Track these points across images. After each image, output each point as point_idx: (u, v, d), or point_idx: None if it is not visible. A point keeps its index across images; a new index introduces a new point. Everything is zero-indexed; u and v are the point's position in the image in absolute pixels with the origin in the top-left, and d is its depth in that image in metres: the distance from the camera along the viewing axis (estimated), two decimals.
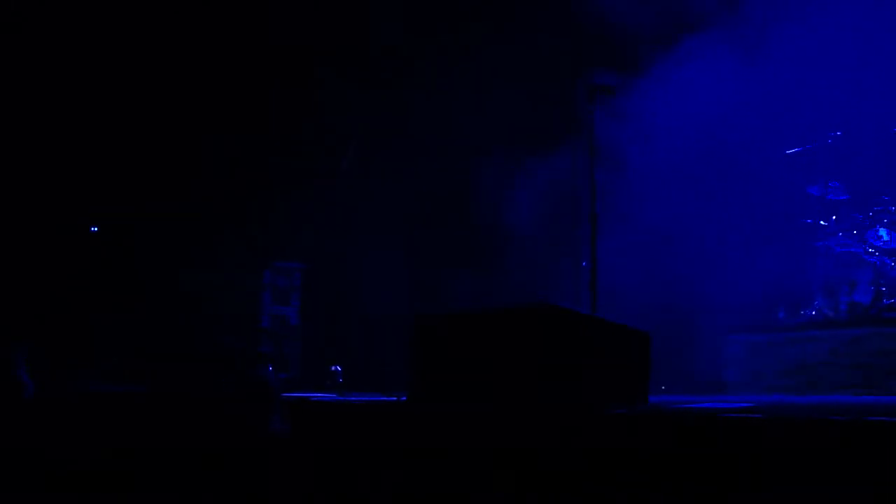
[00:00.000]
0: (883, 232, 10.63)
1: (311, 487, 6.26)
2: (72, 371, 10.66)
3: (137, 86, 12.86)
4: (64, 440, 7.13)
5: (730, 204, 11.31)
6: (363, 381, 10.40)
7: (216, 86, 13.19)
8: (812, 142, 11.11)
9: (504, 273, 12.26)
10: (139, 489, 6.47)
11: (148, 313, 12.74)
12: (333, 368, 10.44)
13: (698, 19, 10.99)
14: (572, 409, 5.96)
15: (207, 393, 8.14)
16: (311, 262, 13.36)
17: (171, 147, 13.26)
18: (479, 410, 6.13)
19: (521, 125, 12.19)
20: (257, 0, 13.00)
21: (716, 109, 10.79)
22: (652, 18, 11.04)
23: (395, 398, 7.63)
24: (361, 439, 6.68)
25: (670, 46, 10.89)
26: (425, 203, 13.24)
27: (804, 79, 10.67)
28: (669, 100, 10.81)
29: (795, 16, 10.59)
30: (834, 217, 11.07)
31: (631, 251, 10.79)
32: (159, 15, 12.70)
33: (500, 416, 5.87)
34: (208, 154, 13.40)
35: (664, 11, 11.04)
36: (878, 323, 9.91)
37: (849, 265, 10.82)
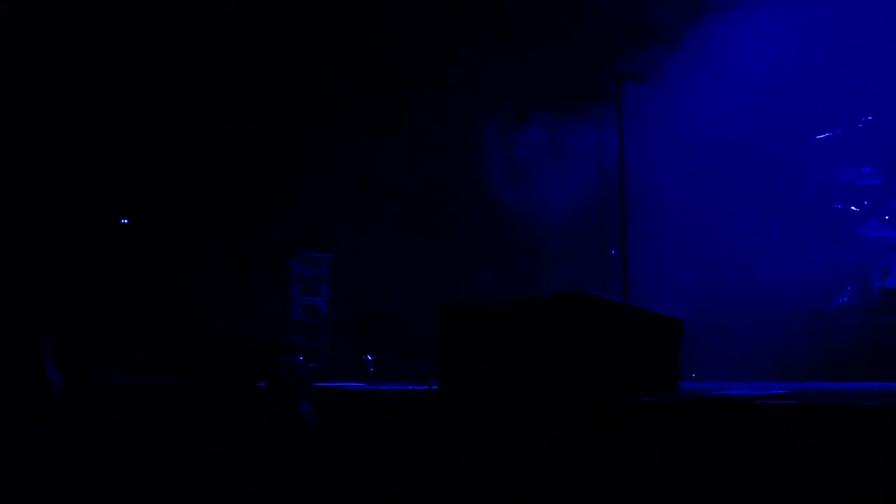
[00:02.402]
0: None
1: (341, 475, 6.29)
2: (100, 363, 10.77)
3: (167, 79, 12.97)
4: (98, 430, 7.21)
5: (760, 190, 11.23)
6: (393, 370, 10.43)
7: (243, 84, 13.29)
8: (843, 126, 11.02)
9: (533, 263, 12.25)
10: (169, 478, 6.53)
11: (178, 304, 12.84)
12: (365, 357, 10.48)
13: (727, 4, 10.91)
14: (603, 397, 5.95)
15: (239, 384, 8.20)
16: (339, 252, 13.40)
17: (198, 140, 13.35)
18: (509, 399, 6.14)
19: (549, 111, 12.16)
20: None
21: (745, 94, 10.71)
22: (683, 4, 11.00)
23: (426, 387, 7.65)
24: (394, 428, 6.70)
25: (702, 31, 10.81)
26: (452, 193, 13.25)
27: (835, 63, 10.57)
28: (700, 85, 10.74)
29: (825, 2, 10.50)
30: (866, 202, 10.97)
31: (662, 238, 10.75)
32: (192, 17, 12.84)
33: (531, 404, 5.88)
34: (235, 145, 13.48)
35: None
36: None
37: (881, 251, 10.75)
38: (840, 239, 11.04)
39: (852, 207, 11.04)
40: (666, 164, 10.95)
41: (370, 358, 10.45)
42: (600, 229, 11.82)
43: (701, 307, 9.89)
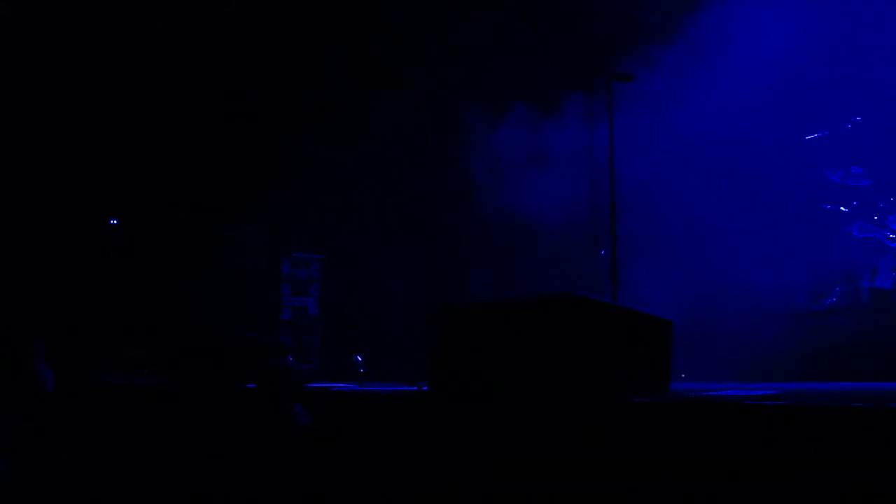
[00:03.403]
0: None
1: (331, 474, 6.28)
2: (92, 364, 10.73)
3: (161, 83, 12.92)
4: (89, 430, 7.18)
5: (749, 191, 11.25)
6: (383, 371, 10.41)
7: (237, 87, 13.25)
8: (833, 127, 11.06)
9: (525, 263, 12.24)
10: (159, 479, 6.51)
11: (168, 306, 12.80)
12: (354, 358, 10.46)
13: (712, 13, 10.95)
14: (595, 396, 5.95)
15: (230, 384, 8.18)
16: (329, 253, 13.37)
17: (189, 142, 13.31)
18: (501, 398, 6.13)
19: (541, 112, 12.16)
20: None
21: (736, 96, 10.73)
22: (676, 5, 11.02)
23: (415, 387, 7.64)
24: (383, 428, 6.69)
25: (694, 33, 10.83)
26: (444, 194, 13.23)
27: (825, 65, 10.60)
28: (691, 87, 10.76)
29: (814, 2, 10.53)
30: (855, 203, 11.01)
31: (652, 239, 10.75)
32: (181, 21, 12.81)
33: (523, 403, 5.88)
34: (226, 147, 13.43)
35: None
36: None
37: (869, 251, 10.79)
38: (829, 239, 11.07)
39: (841, 208, 11.07)
40: (657, 165, 10.96)
41: (359, 359, 10.43)
42: (593, 229, 11.82)
43: (690, 308, 9.91)
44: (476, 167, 12.45)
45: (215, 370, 9.77)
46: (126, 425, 7.53)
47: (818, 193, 11.29)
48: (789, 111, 11.04)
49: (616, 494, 5.04)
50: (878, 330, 9.78)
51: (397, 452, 6.14)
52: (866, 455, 4.29)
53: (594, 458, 5.22)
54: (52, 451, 6.84)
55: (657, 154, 11.02)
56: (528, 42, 12.21)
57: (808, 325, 10.49)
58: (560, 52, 12.11)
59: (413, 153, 13.27)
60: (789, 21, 10.57)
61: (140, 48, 12.78)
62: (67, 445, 7.05)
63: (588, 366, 6.20)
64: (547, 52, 12.14)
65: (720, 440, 4.83)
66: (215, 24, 12.98)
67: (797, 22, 10.55)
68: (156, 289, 12.95)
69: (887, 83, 10.61)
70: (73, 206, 12.94)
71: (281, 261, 13.16)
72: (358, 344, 11.61)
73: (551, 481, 5.29)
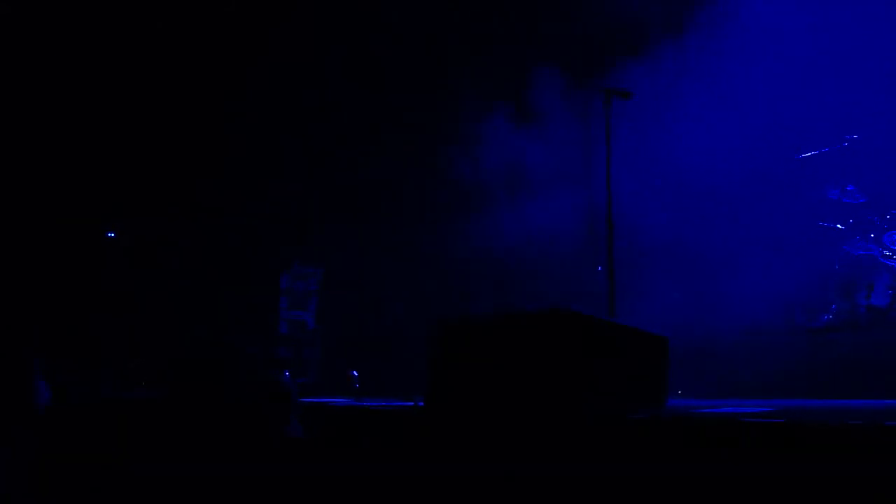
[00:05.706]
0: None
1: (328, 491, 6.28)
2: (89, 377, 10.72)
3: (160, 87, 12.93)
4: (84, 446, 7.17)
5: (746, 207, 11.28)
6: (380, 386, 10.42)
7: (238, 92, 13.27)
8: (829, 145, 11.10)
9: (523, 278, 12.25)
10: (154, 494, 6.50)
11: (164, 318, 12.79)
12: (351, 373, 10.46)
13: (705, 27, 11.00)
14: (590, 413, 5.95)
15: (224, 398, 8.17)
16: (329, 266, 13.38)
17: (186, 151, 13.31)
18: (496, 414, 6.13)
19: (541, 127, 12.20)
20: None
21: (733, 113, 10.76)
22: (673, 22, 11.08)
23: (412, 403, 7.63)
24: (379, 444, 6.69)
25: (690, 50, 10.87)
26: (443, 207, 13.25)
27: (821, 82, 10.64)
28: (687, 105, 10.80)
29: (808, 17, 10.57)
30: (851, 220, 11.04)
31: (648, 255, 10.78)
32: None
33: (518, 419, 5.88)
34: (224, 155, 13.43)
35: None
36: None
37: (866, 268, 10.81)
38: (825, 257, 11.09)
39: (838, 225, 11.10)
40: (653, 182, 10.99)
41: (356, 374, 10.43)
42: (590, 245, 11.84)
43: (687, 324, 9.93)
44: (476, 181, 12.48)
45: (211, 384, 9.75)
46: (122, 437, 7.52)
47: (815, 211, 11.33)
48: (787, 129, 11.07)
49: None
50: (875, 347, 9.79)
51: (389, 465, 6.14)
52: (862, 472, 4.29)
53: (589, 474, 5.22)
54: (48, 464, 6.83)
55: (655, 171, 11.05)
56: (528, 57, 12.27)
57: (805, 341, 10.50)
58: (560, 67, 12.16)
59: (414, 166, 13.30)
60: (786, 40, 10.63)
61: (140, 50, 12.80)
62: (63, 458, 7.04)
63: (583, 382, 6.20)
64: (548, 67, 12.19)
65: (717, 457, 4.83)
66: (215, 23, 12.97)
67: (794, 41, 10.60)
68: (153, 301, 12.95)
69: (883, 100, 10.65)
70: (71, 215, 12.94)
71: (280, 274, 13.16)
72: (356, 359, 11.60)
73: (546, 497, 5.29)
